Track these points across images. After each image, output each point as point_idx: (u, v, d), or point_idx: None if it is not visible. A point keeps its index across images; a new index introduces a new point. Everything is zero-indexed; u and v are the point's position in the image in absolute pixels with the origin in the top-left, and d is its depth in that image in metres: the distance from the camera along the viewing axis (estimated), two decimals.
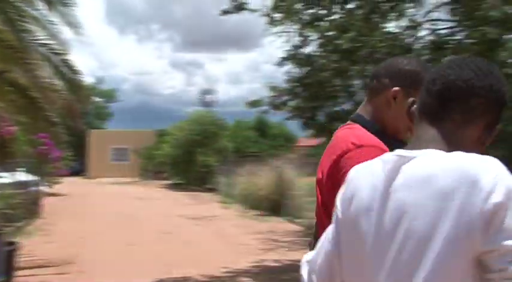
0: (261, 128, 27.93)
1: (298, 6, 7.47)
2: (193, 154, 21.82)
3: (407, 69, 1.54)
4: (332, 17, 7.16)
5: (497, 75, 1.05)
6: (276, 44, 13.38)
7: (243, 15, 8.22)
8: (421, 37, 7.89)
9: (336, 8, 7.20)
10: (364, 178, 1.07)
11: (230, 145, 23.69)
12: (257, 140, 27.03)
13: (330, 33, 7.13)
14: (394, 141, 1.47)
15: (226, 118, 26.81)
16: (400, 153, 1.01)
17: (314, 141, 13.70)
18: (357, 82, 8.26)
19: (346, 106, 8.43)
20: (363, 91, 5.58)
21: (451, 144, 1.01)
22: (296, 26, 7.81)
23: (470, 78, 1.02)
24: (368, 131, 1.52)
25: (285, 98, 8.55)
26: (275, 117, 11.80)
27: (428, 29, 7.88)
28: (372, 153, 1.26)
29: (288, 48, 8.09)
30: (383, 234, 0.98)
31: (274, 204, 13.10)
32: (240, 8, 8.00)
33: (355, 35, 6.46)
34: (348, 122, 1.65)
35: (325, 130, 8.75)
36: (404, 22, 7.63)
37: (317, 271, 1.14)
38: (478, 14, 5.71)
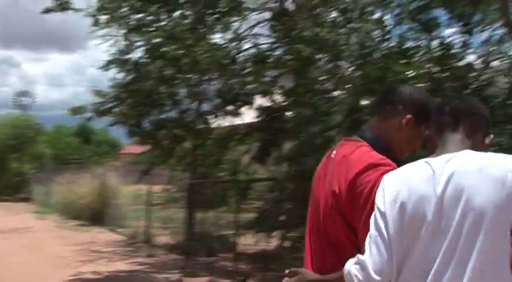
0: (84, 134, 26.68)
1: (125, 10, 7.35)
2: (5, 160, 19.99)
3: (420, 99, 1.72)
4: (159, 24, 7.17)
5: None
6: (102, 47, 12.97)
7: (67, 15, 7.83)
8: (245, 50, 8.37)
9: (163, 15, 7.23)
10: (403, 178, 1.37)
11: (48, 151, 22.18)
12: (79, 146, 25.74)
13: (157, 40, 7.14)
14: (394, 160, 1.59)
15: (45, 123, 25.15)
16: (445, 155, 1.37)
17: (139, 149, 13.50)
18: (182, 90, 8.39)
19: (172, 114, 8.50)
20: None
21: (467, 145, 1.40)
22: (122, 30, 7.67)
23: (472, 104, 1.52)
24: (373, 148, 1.65)
25: (109, 104, 8.31)
26: (99, 123, 11.41)
27: (251, 42, 8.39)
28: (386, 172, 1.47)
29: (114, 52, 7.92)
30: (445, 211, 1.27)
31: (95, 214, 12.54)
32: (63, 7, 7.60)
33: (181, 44, 6.56)
34: (354, 137, 1.75)
35: (150, 138, 8.73)
36: (229, 35, 8.01)
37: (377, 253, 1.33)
38: (293, 33, 6.23)
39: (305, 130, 5.80)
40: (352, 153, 1.65)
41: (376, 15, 5.76)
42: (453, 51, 5.42)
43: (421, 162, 1.39)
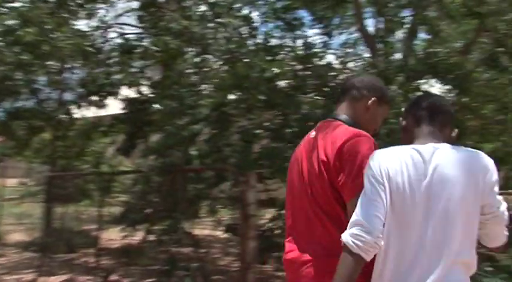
0: None
1: None
2: None
3: (379, 85, 2.10)
4: (13, 5, 6.65)
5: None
6: None
7: None
8: (111, 39, 8.10)
9: None
10: (397, 159, 1.66)
11: None
12: None
13: (11, 22, 6.62)
14: None
15: None
16: (429, 145, 1.68)
17: None
18: (41, 78, 7.89)
19: (29, 103, 7.95)
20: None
21: (440, 138, 1.72)
22: None
23: (442, 102, 1.88)
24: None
25: None
26: None
27: (117, 32, 8.14)
28: (367, 140, 1.82)
29: None
30: (433, 195, 1.59)
31: None
32: None
33: (39, 28, 6.17)
34: (329, 119, 2.04)
35: (4, 128, 8.07)
36: (94, 22, 7.70)
37: (370, 214, 1.61)
38: (161, 25, 6.21)
39: (171, 123, 5.84)
40: (334, 129, 1.94)
41: (244, 12, 5.99)
42: (314, 50, 5.85)
43: (411, 148, 1.69)
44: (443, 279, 1.58)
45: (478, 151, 1.75)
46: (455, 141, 1.83)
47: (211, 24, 5.63)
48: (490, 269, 5.13)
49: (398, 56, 5.73)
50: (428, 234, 1.59)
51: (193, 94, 5.66)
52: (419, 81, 5.48)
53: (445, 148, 1.68)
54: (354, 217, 1.63)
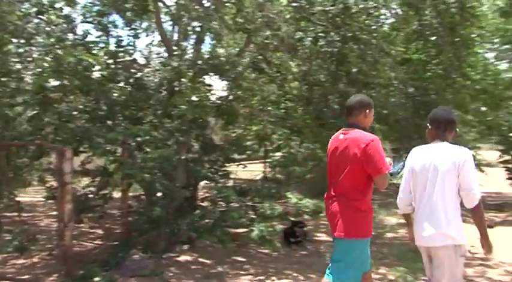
0: None
1: None
2: None
3: (367, 100, 3.86)
4: None
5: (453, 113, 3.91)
6: None
7: None
8: None
9: None
10: (419, 156, 3.64)
11: None
12: None
13: None
14: None
15: None
16: (433, 146, 3.60)
17: None
18: None
19: None
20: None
21: (444, 139, 3.60)
22: None
23: (445, 114, 3.72)
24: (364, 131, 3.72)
25: None
26: None
27: None
28: (379, 142, 3.61)
29: None
30: (430, 171, 3.49)
31: None
32: None
33: None
34: (348, 127, 3.76)
35: None
36: None
37: (402, 190, 3.73)
38: None
39: None
40: (355, 134, 3.64)
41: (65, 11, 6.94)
42: (124, 48, 7.11)
43: (426, 146, 3.63)
44: (433, 213, 3.47)
45: (461, 147, 3.52)
46: (452, 141, 3.63)
47: (36, 20, 6.48)
48: (254, 217, 7.11)
49: (189, 56, 7.31)
50: (426, 187, 3.54)
51: (16, 80, 6.43)
52: (204, 77, 7.21)
53: (443, 145, 3.55)
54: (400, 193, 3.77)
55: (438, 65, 10.09)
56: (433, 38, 9.26)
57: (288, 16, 7.94)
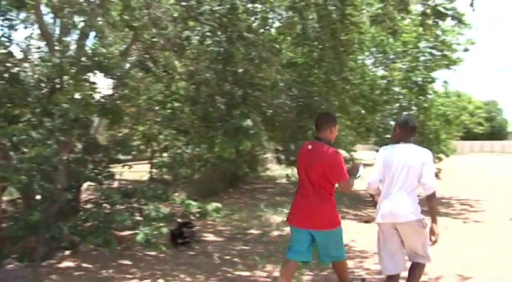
0: None
1: None
2: None
3: (332, 116, 4.93)
4: None
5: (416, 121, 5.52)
6: None
7: None
8: None
9: None
10: (390, 152, 4.70)
11: None
12: None
13: None
14: (331, 146, 4.66)
15: None
16: (402, 146, 4.69)
17: None
18: None
19: None
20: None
21: (409, 141, 4.71)
22: None
23: (412, 122, 4.97)
24: (327, 144, 4.65)
25: None
26: None
27: None
28: (340, 155, 4.60)
29: None
30: (400, 165, 4.56)
31: None
32: None
33: None
34: (316, 141, 4.69)
35: None
36: None
37: (373, 177, 4.72)
38: None
39: None
40: (322, 147, 4.58)
41: None
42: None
43: (395, 145, 4.70)
44: (401, 197, 4.50)
45: (421, 147, 4.69)
46: (415, 142, 4.78)
47: None
48: (140, 219, 6.94)
49: (72, 52, 6.95)
50: (396, 179, 4.56)
51: None
52: (88, 74, 6.89)
53: (409, 145, 4.67)
54: (368, 180, 4.76)
55: (320, 69, 10.63)
56: (315, 43, 9.72)
57: (175, 15, 7.86)
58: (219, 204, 6.94)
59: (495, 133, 71.49)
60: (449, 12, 6.98)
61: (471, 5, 6.64)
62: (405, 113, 14.26)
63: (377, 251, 4.89)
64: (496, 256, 7.49)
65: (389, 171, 4.62)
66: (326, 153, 4.51)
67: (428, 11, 7.02)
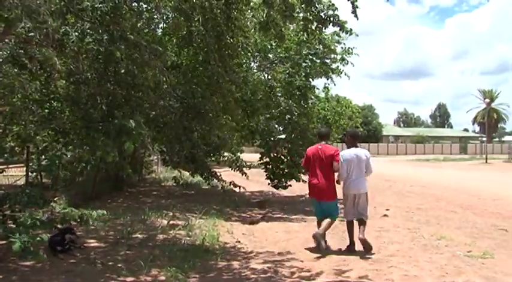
0: None
1: None
2: None
3: (327, 131, 9.39)
4: None
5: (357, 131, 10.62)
6: None
7: None
8: None
9: None
10: (348, 153, 8.26)
11: None
12: None
13: None
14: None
15: None
16: (354, 149, 8.37)
17: None
18: None
19: None
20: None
21: (356, 146, 8.44)
22: None
23: (355, 132, 9.37)
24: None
25: None
26: None
27: None
28: (337, 151, 8.30)
29: None
30: (355, 161, 8.18)
31: None
32: None
33: None
34: (323, 143, 8.51)
35: None
36: None
37: (342, 170, 8.22)
38: None
39: None
40: (328, 147, 8.39)
41: None
42: None
43: (350, 149, 8.29)
44: (358, 179, 8.16)
45: (364, 148, 8.61)
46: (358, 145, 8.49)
47: None
48: (13, 226, 6.41)
49: None
50: (354, 168, 8.14)
51: None
52: None
53: (360, 148, 8.34)
54: (340, 171, 8.20)
55: (205, 70, 10.67)
56: (201, 45, 9.73)
57: (53, 9, 7.40)
58: (104, 211, 6.65)
59: (371, 136, 77.07)
60: (331, 19, 7.36)
61: (353, 12, 7.11)
62: (288, 116, 14.82)
63: (343, 208, 8.54)
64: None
65: (350, 165, 8.19)
66: (330, 150, 8.38)
67: (310, 17, 7.35)
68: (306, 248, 8.28)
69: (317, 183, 8.18)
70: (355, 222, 8.25)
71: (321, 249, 7.89)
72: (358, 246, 8.02)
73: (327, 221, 8.15)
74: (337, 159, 8.08)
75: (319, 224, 8.30)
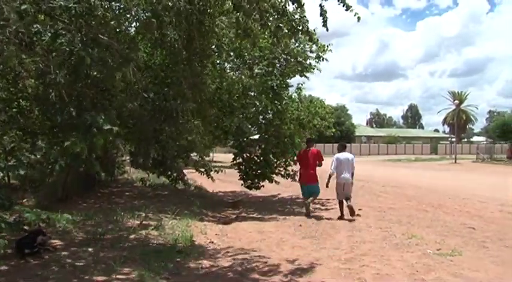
0: None
1: None
2: None
3: (313, 139, 15.05)
4: None
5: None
6: None
7: None
8: None
9: None
10: (341, 155, 12.53)
11: None
12: None
13: None
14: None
15: None
16: (344, 152, 12.74)
17: None
18: None
19: None
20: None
21: (345, 151, 12.89)
22: None
23: (344, 144, 13.71)
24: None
25: None
26: None
27: None
28: (319, 151, 13.30)
29: None
30: (345, 161, 12.41)
31: None
32: None
33: None
34: (309, 146, 13.42)
35: None
36: None
37: (333, 168, 12.45)
38: None
39: None
40: (313, 149, 13.22)
41: None
42: None
43: (342, 153, 12.51)
44: (346, 173, 12.29)
45: (350, 153, 13.05)
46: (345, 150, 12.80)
47: None
48: None
49: None
50: (344, 166, 12.31)
51: None
52: None
53: (347, 153, 12.63)
54: (330, 169, 12.46)
55: (177, 72, 10.58)
56: (171, 48, 9.64)
57: (23, 7, 7.24)
58: (69, 216, 6.52)
59: (343, 137, 77.85)
60: (300, 27, 7.42)
61: (324, 25, 7.22)
62: (261, 116, 14.84)
63: (336, 192, 12.44)
64: (343, 249, 8.22)
65: (341, 164, 12.23)
66: (315, 150, 13.02)
67: (281, 25, 7.38)
68: (278, 248, 8.32)
69: (305, 172, 12.98)
70: (344, 202, 12.17)
71: (308, 213, 12.46)
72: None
73: (311, 198, 12.94)
74: (320, 156, 13.07)
75: (305, 199, 13.02)
